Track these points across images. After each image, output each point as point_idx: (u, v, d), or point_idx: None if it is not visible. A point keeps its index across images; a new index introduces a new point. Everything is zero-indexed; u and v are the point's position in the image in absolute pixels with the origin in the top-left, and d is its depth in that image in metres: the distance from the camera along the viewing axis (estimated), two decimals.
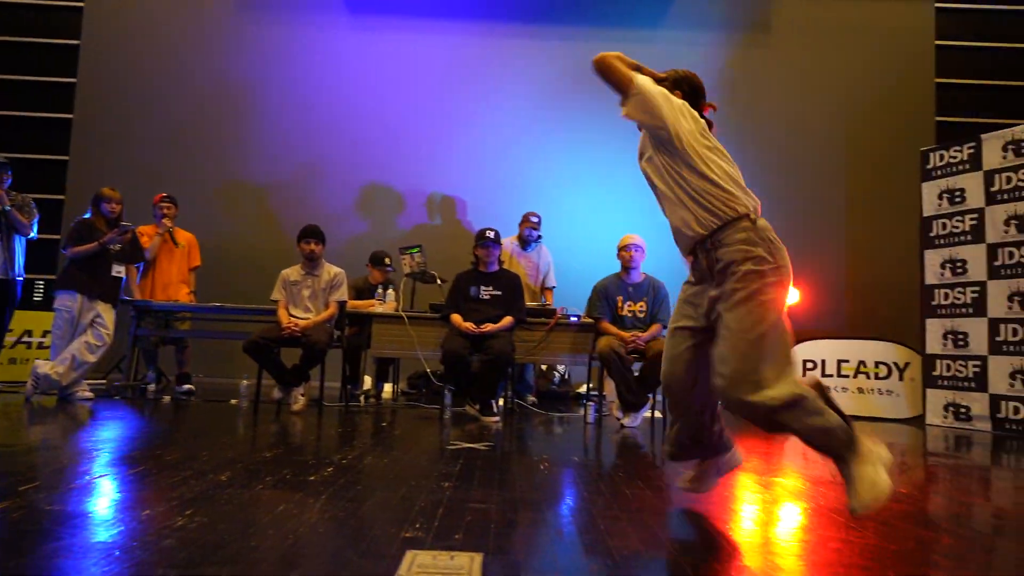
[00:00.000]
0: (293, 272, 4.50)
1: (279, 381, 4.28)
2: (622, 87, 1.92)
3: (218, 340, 5.71)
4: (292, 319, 4.31)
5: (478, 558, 1.46)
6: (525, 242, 5.42)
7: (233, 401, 4.57)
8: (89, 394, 4.44)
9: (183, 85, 6.67)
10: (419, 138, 6.66)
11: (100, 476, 2.17)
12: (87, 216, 4.55)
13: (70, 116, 6.63)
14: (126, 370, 4.88)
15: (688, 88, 2.07)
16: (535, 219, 5.42)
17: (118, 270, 4.56)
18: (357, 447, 2.95)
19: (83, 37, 6.69)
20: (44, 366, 4.27)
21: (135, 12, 6.71)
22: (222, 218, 6.51)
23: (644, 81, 1.92)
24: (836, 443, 1.68)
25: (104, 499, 1.89)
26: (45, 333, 5.48)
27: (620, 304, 4.43)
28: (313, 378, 4.36)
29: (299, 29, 6.75)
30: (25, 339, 5.65)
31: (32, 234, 4.76)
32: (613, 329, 4.31)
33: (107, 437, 2.99)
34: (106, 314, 4.47)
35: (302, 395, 4.29)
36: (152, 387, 5.01)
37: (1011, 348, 4.55)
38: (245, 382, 4.43)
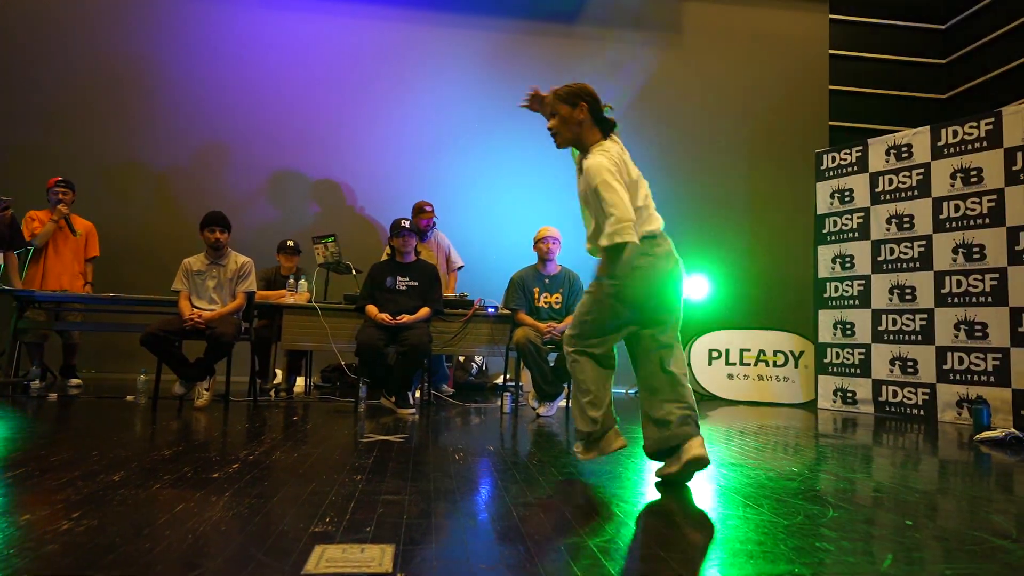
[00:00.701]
0: (196, 261, 4.27)
1: (181, 376, 4.06)
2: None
3: (112, 333, 5.35)
4: (195, 310, 4.09)
5: (389, 550, 1.44)
6: (422, 233, 5.31)
7: (129, 398, 4.29)
8: None
9: (70, 58, 6.16)
10: (334, 124, 6.47)
11: None
12: None
13: None
14: (6, 366, 4.48)
15: (591, 100, 2.33)
16: (429, 208, 5.35)
17: None
18: (266, 442, 2.84)
19: None
20: None
21: None
22: (115, 203, 6.07)
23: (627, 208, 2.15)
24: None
25: None
26: None
27: (537, 295, 4.48)
28: (219, 372, 4.17)
29: (204, 2, 6.38)
30: None
31: None
32: (530, 320, 4.36)
33: None
34: None
35: (206, 390, 4.08)
36: (37, 384, 4.63)
37: (891, 337, 4.95)
38: (143, 377, 4.18)
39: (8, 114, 6.03)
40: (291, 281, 4.75)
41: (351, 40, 6.55)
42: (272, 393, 4.86)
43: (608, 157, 2.23)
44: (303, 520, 1.66)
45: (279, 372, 5.26)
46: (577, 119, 2.31)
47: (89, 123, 6.15)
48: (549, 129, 2.37)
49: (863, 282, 5.15)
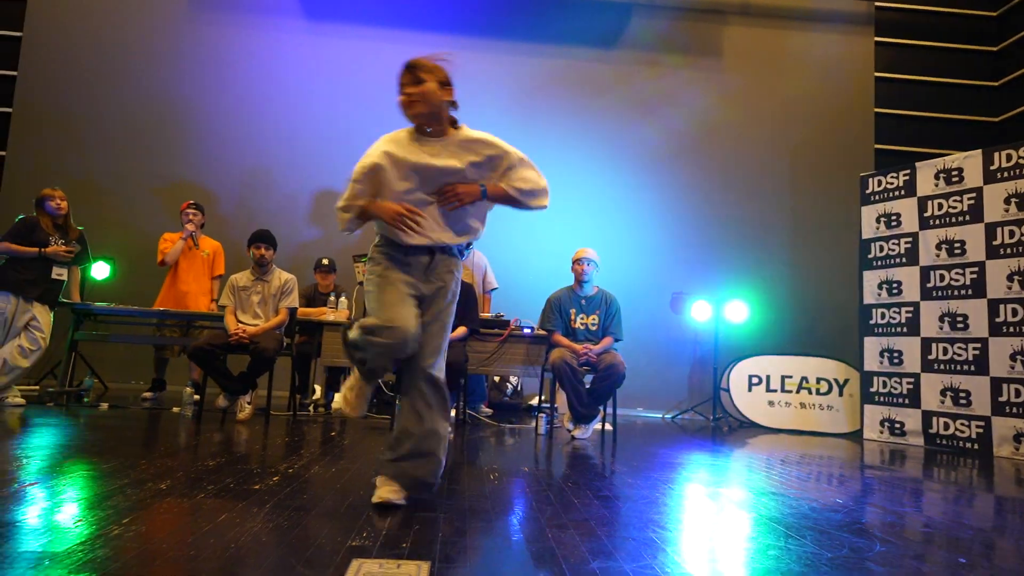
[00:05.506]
0: (243, 277, 4.40)
1: (225, 389, 4.16)
2: None
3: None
4: (240, 325, 4.21)
5: (425, 566, 1.45)
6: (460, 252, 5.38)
7: (176, 409, 4.42)
8: (20, 400, 4.23)
9: (131, 84, 6.47)
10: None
11: (30, 484, 2.07)
12: (33, 215, 4.37)
13: (8, 110, 6.35)
14: (61, 376, 4.67)
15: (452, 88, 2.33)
16: None
17: (59, 272, 4.37)
18: (304, 456, 2.89)
19: (26, 29, 6.43)
20: None
21: (82, 6, 6.50)
22: (168, 221, 6.30)
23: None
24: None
25: (34, 508, 1.81)
26: None
27: (573, 316, 4.47)
28: (261, 387, 4.26)
29: (253, 32, 6.63)
30: None
31: None
32: (566, 341, 4.35)
33: (39, 444, 2.86)
34: (42, 317, 4.28)
35: (248, 404, 4.18)
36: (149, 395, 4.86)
37: (942, 366, 4.78)
38: (189, 390, 4.30)
39: (71, 137, 6.35)
40: (332, 298, 4.85)
41: (392, 65, 6.70)
42: (311, 408, 4.94)
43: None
44: (340, 534, 1.68)
45: (318, 388, 5.34)
46: (444, 99, 2.30)
47: (144, 144, 6.42)
48: (409, 93, 2.26)
49: (911, 309, 5.00)
